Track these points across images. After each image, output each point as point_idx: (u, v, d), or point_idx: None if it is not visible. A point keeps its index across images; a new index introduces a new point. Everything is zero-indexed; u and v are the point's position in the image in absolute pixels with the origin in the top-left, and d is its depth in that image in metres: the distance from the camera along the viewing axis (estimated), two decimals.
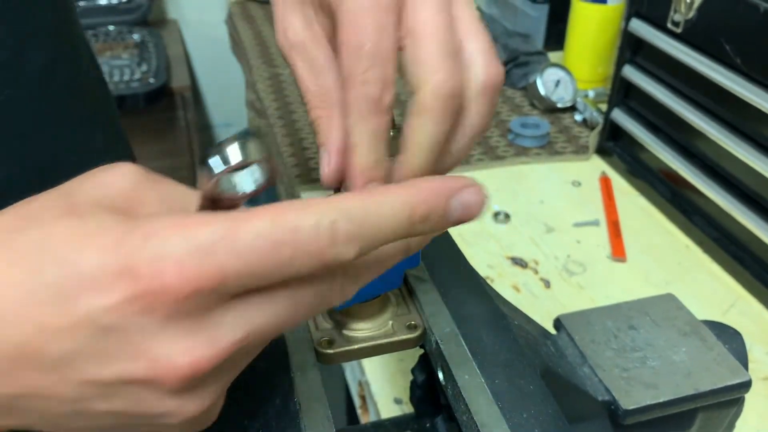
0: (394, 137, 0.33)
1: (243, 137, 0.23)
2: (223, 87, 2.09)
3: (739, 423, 0.42)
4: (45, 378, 0.22)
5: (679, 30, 0.75)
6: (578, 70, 1.06)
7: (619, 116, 0.89)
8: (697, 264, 0.76)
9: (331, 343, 0.35)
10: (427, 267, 0.40)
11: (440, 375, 0.35)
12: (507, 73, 1.12)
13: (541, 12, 1.20)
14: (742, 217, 0.70)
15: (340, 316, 0.36)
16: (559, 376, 0.38)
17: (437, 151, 0.32)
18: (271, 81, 1.15)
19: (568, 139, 0.98)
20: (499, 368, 0.34)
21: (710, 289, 0.72)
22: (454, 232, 0.44)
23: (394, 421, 0.44)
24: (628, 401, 0.37)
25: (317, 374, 0.35)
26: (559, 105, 1.03)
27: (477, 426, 0.31)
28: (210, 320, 0.22)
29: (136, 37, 1.83)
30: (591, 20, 1.04)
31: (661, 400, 0.37)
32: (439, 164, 0.33)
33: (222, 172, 0.22)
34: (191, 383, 0.23)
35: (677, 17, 0.75)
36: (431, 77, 0.30)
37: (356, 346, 0.35)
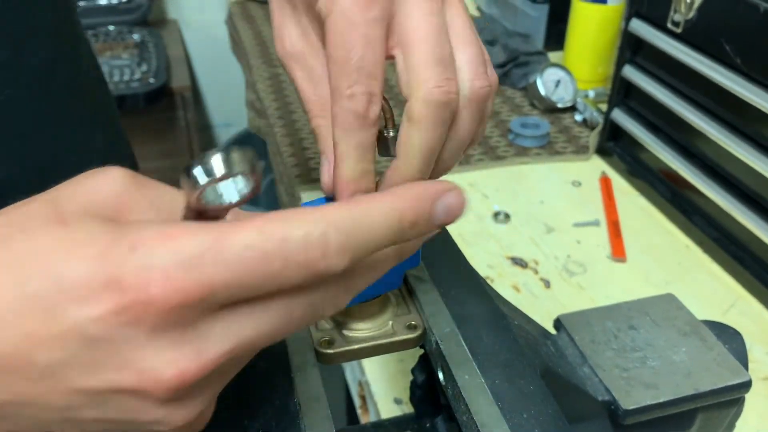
0: (393, 137, 0.33)
1: (227, 148, 0.23)
2: (223, 87, 2.09)
3: (739, 423, 0.42)
4: (34, 386, 0.22)
5: (679, 30, 0.75)
6: (578, 70, 1.06)
7: (619, 116, 0.89)
8: (697, 264, 0.76)
9: (331, 343, 0.35)
10: (427, 267, 0.40)
11: (440, 375, 0.35)
12: (507, 73, 1.12)
13: (541, 12, 1.20)
14: (742, 217, 0.70)
15: (340, 316, 0.36)
16: (559, 376, 0.38)
17: (430, 157, 0.32)
18: (271, 81, 1.15)
19: (568, 139, 0.98)
20: (499, 368, 0.34)
21: (710, 289, 0.72)
22: (453, 232, 0.44)
23: (394, 421, 0.44)
24: (628, 401, 0.37)
25: (317, 374, 0.35)
26: (560, 105, 1.03)
27: (477, 426, 0.31)
28: (197, 331, 0.22)
29: (136, 37, 1.83)
30: (591, 20, 1.04)
31: (661, 400, 0.37)
32: (431, 170, 0.33)
33: (206, 185, 0.22)
34: (178, 393, 0.23)
35: (677, 17, 0.75)
36: (422, 85, 0.30)
37: (356, 347, 0.35)
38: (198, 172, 0.22)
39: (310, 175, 0.90)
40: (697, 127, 0.74)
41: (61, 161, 0.53)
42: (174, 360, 0.22)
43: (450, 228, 0.44)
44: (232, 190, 0.23)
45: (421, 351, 0.39)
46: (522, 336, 0.37)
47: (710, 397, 0.38)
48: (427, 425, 0.43)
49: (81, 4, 1.83)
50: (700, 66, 0.72)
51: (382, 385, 0.63)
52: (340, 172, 0.32)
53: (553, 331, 0.43)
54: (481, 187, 0.89)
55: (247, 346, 0.24)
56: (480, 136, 0.35)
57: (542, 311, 0.68)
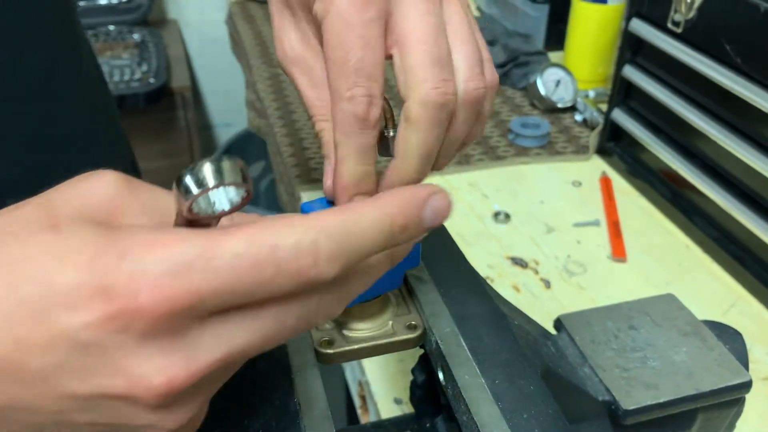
0: (393, 137, 0.33)
1: (218, 158, 0.23)
2: (223, 87, 2.09)
3: (739, 423, 0.42)
4: (25, 391, 0.22)
5: (679, 30, 0.75)
6: (578, 70, 1.06)
7: (620, 116, 0.89)
8: (698, 264, 0.76)
9: (331, 343, 0.35)
10: (428, 267, 0.40)
11: (440, 375, 0.35)
12: (507, 73, 1.12)
13: (542, 12, 1.20)
14: (743, 217, 0.70)
15: (340, 316, 0.36)
16: (560, 376, 0.38)
17: (428, 157, 0.32)
18: (271, 81, 1.15)
19: (568, 139, 0.98)
20: (499, 368, 0.34)
21: (710, 289, 0.72)
22: (453, 232, 0.44)
23: (394, 422, 0.44)
24: (629, 401, 0.37)
25: (317, 374, 0.35)
26: (560, 105, 1.03)
27: (477, 426, 0.31)
28: (187, 339, 0.22)
29: (136, 37, 1.83)
30: (591, 20, 1.04)
31: (661, 401, 0.37)
32: (429, 169, 0.33)
33: (197, 195, 0.22)
34: (168, 400, 0.23)
35: (678, 17, 0.75)
36: (419, 87, 0.30)
37: (356, 347, 0.35)
38: (189, 181, 0.22)
39: (310, 175, 0.90)
40: (697, 127, 0.74)
41: (61, 161, 0.53)
42: (164, 367, 0.22)
43: (450, 228, 0.44)
44: (224, 198, 0.24)
45: (421, 351, 0.39)
46: (522, 336, 0.37)
47: (711, 398, 0.38)
48: (427, 425, 0.43)
49: (81, 3, 1.83)
50: (700, 66, 0.72)
51: (382, 385, 0.63)
52: (341, 174, 0.32)
53: (553, 331, 0.43)
54: (481, 187, 0.89)
55: (237, 354, 0.24)
56: (477, 136, 0.35)
57: (542, 311, 0.68)
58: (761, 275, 0.69)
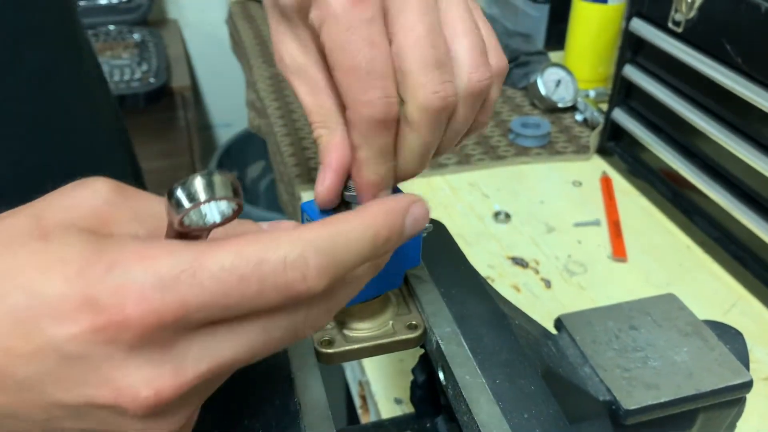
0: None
1: (209, 172, 0.23)
2: (223, 87, 2.09)
3: (740, 423, 0.42)
4: (12, 399, 0.22)
5: (680, 30, 0.75)
6: (579, 69, 1.06)
7: (620, 116, 0.89)
8: (698, 264, 0.76)
9: (331, 343, 0.35)
10: (428, 266, 0.40)
11: (441, 375, 0.35)
12: (507, 73, 1.12)
13: (542, 12, 1.20)
14: (743, 217, 0.70)
15: (341, 315, 0.36)
16: (560, 376, 0.38)
17: (428, 154, 0.32)
18: (272, 81, 1.15)
19: (568, 139, 0.98)
20: (499, 368, 0.34)
21: (711, 290, 0.72)
22: (454, 232, 0.44)
23: (395, 421, 0.44)
24: (630, 401, 0.37)
25: (317, 374, 0.35)
26: (560, 105, 1.03)
27: (478, 426, 0.31)
28: (174, 351, 0.23)
29: (136, 36, 1.83)
30: (592, 20, 1.04)
31: (662, 401, 0.37)
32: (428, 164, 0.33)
33: (188, 209, 0.23)
34: (156, 410, 0.23)
35: (678, 17, 0.75)
36: (418, 91, 0.30)
37: (356, 346, 0.35)
38: (180, 195, 0.23)
39: (310, 175, 0.90)
40: (698, 127, 0.74)
41: (61, 161, 0.53)
42: (151, 379, 0.22)
43: (450, 228, 0.44)
44: (215, 212, 0.24)
45: (422, 351, 0.39)
46: (523, 336, 0.37)
47: (711, 398, 0.38)
48: (428, 425, 0.43)
49: (81, 3, 1.83)
50: (701, 66, 0.72)
51: (383, 385, 0.63)
52: (363, 175, 0.32)
53: (553, 331, 0.43)
54: (481, 186, 0.89)
55: (225, 366, 0.24)
56: (484, 124, 0.35)
57: (543, 311, 0.68)
58: (762, 275, 0.69)
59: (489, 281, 0.71)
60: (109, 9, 1.87)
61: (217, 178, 0.23)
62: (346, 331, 0.36)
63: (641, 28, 0.81)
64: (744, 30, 0.66)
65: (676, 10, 0.75)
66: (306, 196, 0.86)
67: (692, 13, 0.73)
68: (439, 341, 0.35)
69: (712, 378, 0.38)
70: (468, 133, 0.34)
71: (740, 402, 0.40)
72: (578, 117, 1.02)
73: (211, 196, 0.23)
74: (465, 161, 0.92)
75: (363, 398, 0.70)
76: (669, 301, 0.44)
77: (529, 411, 0.32)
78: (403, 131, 0.31)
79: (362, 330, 0.36)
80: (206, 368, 0.23)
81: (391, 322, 0.37)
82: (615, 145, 0.92)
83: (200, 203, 0.23)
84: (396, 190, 0.36)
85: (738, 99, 0.68)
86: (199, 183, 0.23)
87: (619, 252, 0.76)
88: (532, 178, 0.91)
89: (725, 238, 0.74)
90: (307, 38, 0.33)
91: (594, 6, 1.03)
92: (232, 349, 0.24)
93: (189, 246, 0.22)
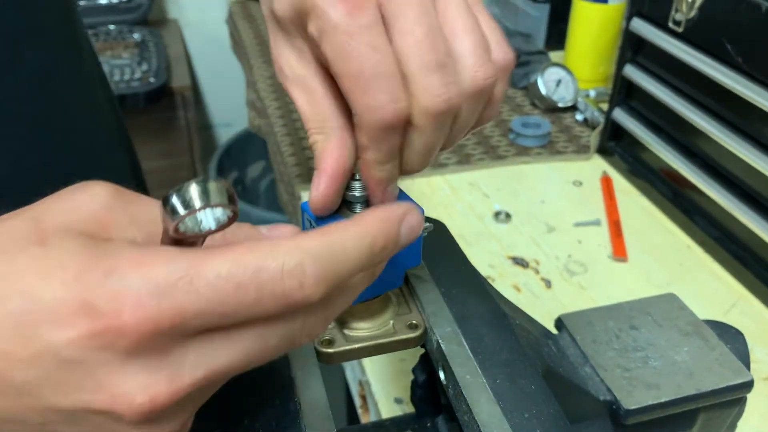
0: None
1: (204, 180, 0.23)
2: (223, 87, 2.09)
3: (740, 423, 0.42)
4: (10, 403, 0.23)
5: (680, 29, 0.75)
6: (579, 69, 1.06)
7: (621, 116, 0.88)
8: (699, 264, 0.76)
9: (331, 343, 0.35)
10: (429, 266, 0.40)
11: (441, 374, 0.35)
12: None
13: (542, 11, 1.20)
14: (744, 216, 0.69)
15: (341, 315, 0.36)
16: (561, 376, 0.38)
17: (432, 152, 0.32)
18: (272, 80, 1.15)
19: (569, 139, 0.98)
20: (500, 368, 0.34)
21: (711, 289, 0.72)
22: (454, 231, 0.44)
23: (395, 421, 0.44)
24: (630, 401, 0.37)
25: (318, 374, 0.35)
26: (560, 105, 1.03)
27: (478, 426, 0.31)
28: (171, 357, 0.23)
29: (136, 36, 1.83)
30: (592, 20, 1.04)
31: (662, 400, 0.37)
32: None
33: (183, 216, 0.23)
34: (151, 416, 0.23)
35: (679, 16, 0.75)
36: (421, 95, 0.30)
37: (357, 346, 0.35)
38: (175, 202, 0.23)
39: (310, 175, 0.90)
40: (698, 127, 0.74)
41: (61, 161, 0.53)
42: (147, 385, 0.22)
43: (450, 228, 0.44)
44: (210, 219, 0.24)
45: (422, 350, 0.39)
46: (523, 336, 0.37)
47: (712, 397, 0.38)
48: (428, 425, 0.43)
49: (81, 3, 1.83)
50: (701, 65, 0.72)
51: (383, 385, 0.63)
52: (373, 174, 0.32)
53: (554, 331, 0.43)
54: (481, 186, 0.89)
55: (220, 373, 0.24)
56: (490, 118, 0.35)
57: (543, 311, 0.68)
58: (762, 275, 0.69)
59: (489, 281, 0.71)
60: (109, 9, 1.87)
61: (213, 185, 0.23)
62: (346, 331, 0.36)
63: (642, 27, 0.81)
64: (744, 30, 0.66)
65: (677, 10, 0.75)
66: (306, 196, 0.86)
67: (693, 13, 0.72)
68: (440, 341, 0.35)
69: (712, 378, 0.38)
70: (474, 127, 0.34)
71: (741, 402, 0.40)
72: (578, 117, 1.02)
73: (206, 203, 0.23)
74: (465, 161, 0.92)
75: (363, 398, 0.70)
76: (669, 300, 0.44)
77: (530, 411, 0.32)
78: (408, 132, 0.31)
79: (362, 329, 0.36)
80: (202, 375, 0.23)
81: (391, 322, 0.37)
82: (615, 144, 0.92)
83: (195, 210, 0.23)
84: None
85: (738, 99, 0.67)
86: (194, 190, 0.23)
87: (619, 252, 0.76)
88: (532, 177, 0.91)
89: (726, 238, 0.74)
90: (304, 49, 0.33)
91: (594, 6, 1.03)
92: (228, 357, 0.24)
93: (186, 253, 0.22)
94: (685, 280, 0.73)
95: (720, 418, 0.40)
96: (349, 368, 0.80)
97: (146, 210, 0.26)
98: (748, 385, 0.38)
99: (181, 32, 2.02)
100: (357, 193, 0.34)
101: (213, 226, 0.24)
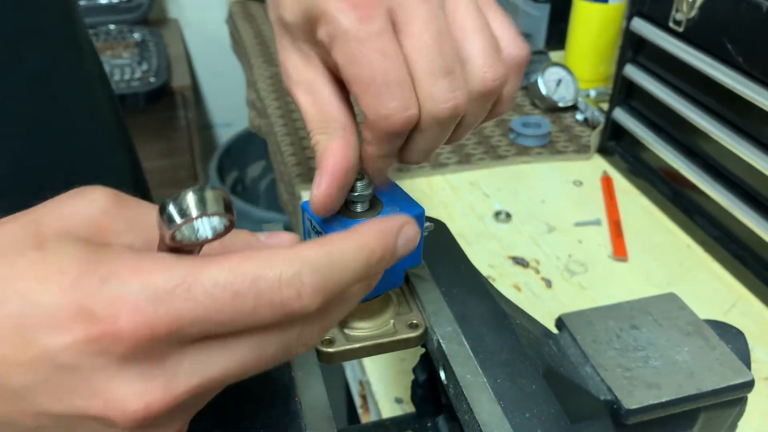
0: None
1: (200, 188, 0.23)
2: (223, 86, 2.09)
3: (741, 423, 0.42)
4: (4, 407, 0.23)
5: (681, 29, 0.75)
6: (580, 69, 1.06)
7: (621, 115, 0.88)
8: (699, 263, 0.76)
9: (332, 342, 0.35)
10: (429, 266, 0.40)
11: (442, 374, 0.35)
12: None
13: (543, 11, 1.20)
14: (744, 216, 0.69)
15: None
16: (561, 375, 0.38)
17: (435, 150, 0.33)
18: (272, 80, 1.15)
19: (569, 139, 0.98)
20: (501, 367, 0.34)
21: (711, 289, 0.72)
22: (454, 231, 0.44)
23: (395, 421, 0.44)
24: (631, 401, 0.37)
25: (318, 373, 0.35)
26: (561, 104, 1.03)
27: (479, 425, 0.31)
28: (166, 364, 0.23)
29: (136, 36, 1.83)
30: (592, 19, 1.04)
31: (663, 400, 0.37)
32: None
33: (179, 224, 0.23)
34: (145, 423, 0.23)
35: (679, 16, 0.75)
36: (426, 101, 0.30)
37: (357, 345, 0.35)
38: (172, 210, 0.23)
39: (310, 175, 0.90)
40: (698, 126, 0.74)
41: (62, 161, 0.53)
42: (141, 392, 0.22)
43: (451, 227, 0.44)
44: (207, 227, 0.24)
45: (423, 350, 0.39)
46: (524, 335, 0.37)
47: (713, 397, 0.38)
48: (429, 425, 0.43)
49: (82, 3, 1.83)
50: (701, 65, 0.72)
51: (383, 385, 0.63)
52: (372, 164, 0.33)
53: (554, 331, 0.43)
54: (482, 186, 0.89)
55: (216, 381, 0.24)
56: (500, 113, 0.35)
57: (543, 311, 0.68)
58: (762, 275, 0.69)
59: (489, 281, 0.71)
60: (109, 8, 1.87)
61: (209, 194, 0.23)
62: (346, 330, 0.36)
63: (642, 27, 0.81)
64: (745, 29, 0.66)
65: (677, 10, 0.75)
66: (306, 196, 0.86)
67: (693, 13, 0.72)
68: (440, 340, 0.35)
69: (713, 377, 0.38)
70: (483, 122, 0.34)
71: (741, 402, 0.40)
72: (579, 116, 1.02)
73: (203, 212, 0.23)
74: (465, 161, 0.92)
75: (363, 398, 0.70)
76: (670, 300, 0.44)
77: (531, 410, 0.32)
78: (412, 131, 0.31)
79: (363, 329, 0.36)
80: (197, 383, 0.23)
81: (392, 322, 0.37)
82: (616, 144, 0.92)
83: (192, 219, 0.23)
84: (396, 190, 0.36)
85: (739, 98, 0.67)
86: (191, 198, 0.23)
87: (619, 251, 0.76)
88: (532, 177, 0.91)
89: (726, 238, 0.74)
90: (312, 54, 0.33)
91: (595, 5, 1.03)
92: (224, 365, 0.24)
93: (184, 260, 0.22)
94: (685, 279, 0.73)
95: (721, 418, 0.40)
96: (350, 368, 0.80)
97: (145, 215, 0.26)
98: (749, 385, 0.38)
99: (182, 32, 2.02)
100: (358, 193, 0.34)
101: (210, 235, 0.24)
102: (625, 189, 0.88)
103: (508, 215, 0.83)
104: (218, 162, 1.88)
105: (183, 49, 1.94)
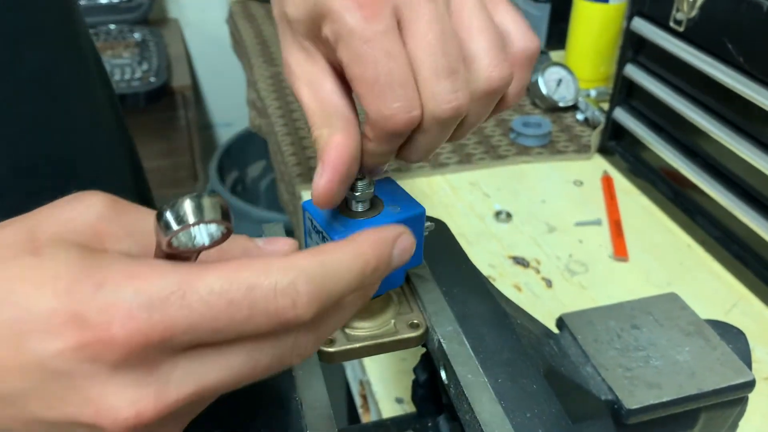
0: None
1: (198, 195, 0.23)
2: (224, 86, 2.09)
3: (742, 423, 0.42)
4: None
5: (681, 29, 0.75)
6: (580, 69, 1.06)
7: (621, 115, 0.88)
8: (699, 263, 0.76)
9: (332, 342, 0.35)
10: (430, 265, 0.40)
11: (443, 374, 0.35)
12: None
13: (543, 11, 1.20)
14: (744, 216, 0.69)
15: None
16: (562, 375, 0.38)
17: (434, 150, 0.33)
18: (272, 80, 1.15)
19: (569, 139, 0.98)
20: (502, 367, 0.34)
21: (712, 289, 0.72)
22: (455, 231, 0.44)
23: (396, 421, 0.44)
24: (632, 401, 0.37)
25: (319, 373, 0.35)
26: (561, 104, 1.03)
27: (480, 425, 0.31)
28: (158, 372, 0.22)
29: (137, 36, 1.83)
30: (593, 19, 1.04)
31: (664, 400, 0.37)
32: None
33: (176, 231, 0.23)
34: (136, 431, 0.23)
35: (680, 16, 0.75)
36: (429, 102, 0.30)
37: (358, 345, 0.35)
38: (169, 217, 0.23)
39: (310, 174, 0.90)
40: (699, 126, 0.74)
41: (62, 161, 0.53)
42: (133, 400, 0.22)
43: (451, 227, 0.44)
44: (204, 234, 0.24)
45: (423, 350, 0.39)
46: (525, 335, 0.37)
47: (713, 397, 0.38)
48: (429, 425, 0.43)
49: (82, 3, 1.83)
50: (702, 65, 0.72)
51: (384, 385, 0.63)
52: (370, 160, 0.33)
53: (555, 331, 0.42)
54: (482, 186, 0.89)
55: (208, 390, 0.24)
56: (505, 109, 0.35)
57: (544, 311, 0.68)
58: (763, 275, 0.69)
59: (490, 281, 0.70)
60: (109, 8, 1.87)
61: (207, 201, 0.23)
62: (347, 330, 0.36)
63: (642, 27, 0.81)
64: (745, 29, 0.66)
65: (678, 10, 0.75)
66: (307, 196, 0.86)
67: (694, 12, 0.72)
68: (441, 340, 0.35)
69: (714, 377, 0.38)
70: (488, 117, 0.34)
71: (742, 401, 0.40)
72: (579, 116, 1.02)
73: (200, 219, 0.23)
74: (466, 160, 0.92)
75: (364, 397, 0.70)
76: (671, 300, 0.44)
77: (532, 410, 0.31)
78: (413, 134, 0.32)
79: (364, 329, 0.36)
80: (190, 391, 0.23)
81: (392, 321, 0.37)
82: (616, 144, 0.92)
83: (189, 225, 0.23)
84: (397, 190, 0.36)
85: (739, 98, 0.67)
86: (188, 205, 0.23)
87: (620, 251, 0.76)
88: (533, 177, 0.91)
89: (726, 238, 0.74)
90: (315, 51, 0.33)
91: (595, 5, 1.03)
92: (218, 374, 0.23)
93: (180, 267, 0.22)
94: (685, 279, 0.73)
95: (721, 418, 0.40)
96: (350, 368, 0.80)
97: (142, 221, 0.26)
98: (750, 385, 0.38)
99: (182, 32, 2.02)
100: (359, 192, 0.34)
101: (206, 242, 0.24)
102: (625, 189, 0.88)
103: (509, 215, 0.83)
104: (218, 162, 1.88)
105: (183, 48, 1.94)
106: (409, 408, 0.60)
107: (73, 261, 0.22)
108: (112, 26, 1.85)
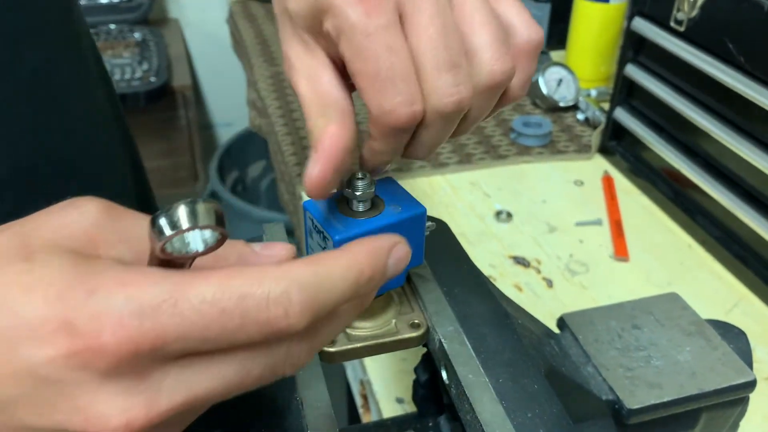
0: None
1: (193, 201, 0.23)
2: (224, 86, 2.09)
3: (743, 423, 0.42)
4: None
5: (682, 29, 0.75)
6: (580, 69, 1.06)
7: (622, 115, 0.88)
8: (700, 263, 0.76)
9: (333, 342, 0.35)
10: (431, 265, 0.40)
11: (444, 374, 0.35)
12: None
13: (544, 11, 1.20)
14: (745, 216, 0.69)
15: None
16: (563, 375, 0.38)
17: (438, 146, 0.33)
18: (273, 80, 1.15)
19: (570, 139, 0.98)
20: (503, 367, 0.33)
21: (712, 289, 0.72)
22: (456, 231, 0.44)
23: (396, 421, 0.44)
24: (632, 401, 0.37)
25: (320, 372, 0.35)
26: (562, 104, 1.03)
27: (481, 425, 0.31)
28: (149, 381, 0.22)
29: (137, 35, 1.83)
30: (593, 19, 1.04)
31: (665, 400, 0.37)
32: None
33: (169, 237, 0.22)
34: None
35: (680, 16, 0.75)
36: (431, 96, 0.30)
37: (359, 345, 0.35)
38: (163, 222, 0.22)
39: None
40: (699, 126, 0.74)
41: (61, 161, 0.53)
42: (123, 409, 0.22)
43: (451, 227, 0.44)
44: (198, 240, 0.24)
45: (424, 350, 0.39)
46: (525, 335, 0.37)
47: (714, 397, 0.38)
48: (430, 425, 0.43)
49: (82, 3, 1.83)
50: (703, 65, 0.72)
51: (384, 385, 0.63)
52: (374, 159, 0.33)
53: (556, 331, 0.42)
54: (483, 186, 0.89)
55: (199, 400, 0.23)
56: (508, 103, 0.35)
57: (544, 311, 0.68)
58: (764, 275, 0.69)
59: (491, 281, 0.70)
60: (110, 8, 1.87)
61: (201, 207, 0.23)
62: (348, 330, 0.36)
63: (643, 27, 0.81)
64: (746, 29, 0.66)
65: (678, 9, 0.75)
66: (306, 195, 0.86)
67: (694, 12, 0.72)
68: (442, 340, 0.35)
69: (715, 377, 0.38)
70: (492, 112, 0.34)
71: (743, 401, 0.40)
72: (580, 116, 1.02)
73: (194, 225, 0.23)
74: (466, 160, 0.92)
75: (364, 397, 0.70)
76: (672, 300, 0.44)
77: (533, 410, 0.31)
78: (416, 130, 0.31)
79: (364, 328, 0.36)
80: (181, 400, 0.23)
81: (393, 321, 0.36)
82: (617, 144, 0.92)
83: (183, 231, 0.23)
84: (397, 189, 0.36)
85: (740, 98, 0.67)
86: (182, 211, 0.22)
87: (620, 251, 0.76)
88: (533, 177, 0.91)
89: (727, 237, 0.74)
90: (315, 45, 0.33)
91: (596, 5, 1.03)
92: (209, 383, 0.23)
93: (172, 275, 0.22)
94: (686, 279, 0.73)
95: (722, 418, 0.40)
96: (351, 368, 0.80)
97: (137, 227, 0.26)
98: (751, 385, 0.38)
99: (182, 32, 2.02)
100: (360, 192, 0.34)
101: (201, 248, 0.24)
102: (626, 189, 0.88)
103: (509, 215, 0.83)
104: (218, 162, 1.88)
105: (183, 48, 1.94)
106: (409, 408, 0.60)
107: (65, 267, 0.22)
108: (113, 26, 1.85)
